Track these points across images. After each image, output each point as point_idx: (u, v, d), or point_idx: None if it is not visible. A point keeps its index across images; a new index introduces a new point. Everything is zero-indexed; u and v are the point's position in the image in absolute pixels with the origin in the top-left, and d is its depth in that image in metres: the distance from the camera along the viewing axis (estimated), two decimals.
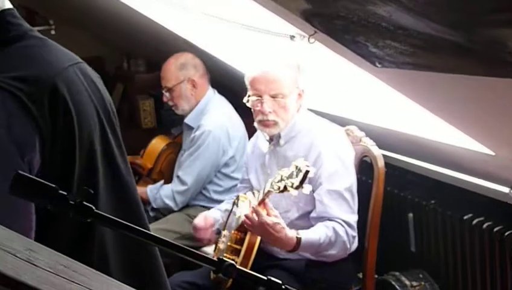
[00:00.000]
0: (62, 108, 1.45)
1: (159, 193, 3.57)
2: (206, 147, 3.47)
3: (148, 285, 1.71)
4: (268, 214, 2.47)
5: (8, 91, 1.38)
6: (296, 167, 2.28)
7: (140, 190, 3.62)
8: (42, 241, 1.42)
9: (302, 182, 2.25)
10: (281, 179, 2.33)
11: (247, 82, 2.72)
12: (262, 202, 2.51)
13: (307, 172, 2.24)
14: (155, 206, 3.59)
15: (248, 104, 2.71)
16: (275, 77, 2.64)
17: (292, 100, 2.67)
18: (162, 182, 3.69)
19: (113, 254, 1.61)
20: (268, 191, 2.44)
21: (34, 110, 1.39)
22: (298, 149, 2.66)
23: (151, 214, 3.60)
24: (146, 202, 3.54)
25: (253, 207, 2.49)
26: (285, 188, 2.31)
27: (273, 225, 2.43)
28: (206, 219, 2.95)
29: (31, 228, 1.43)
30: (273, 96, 2.65)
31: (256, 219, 2.46)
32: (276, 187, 2.35)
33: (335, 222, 2.55)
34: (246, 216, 2.50)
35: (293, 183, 2.27)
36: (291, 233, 2.47)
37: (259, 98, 2.66)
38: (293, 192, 2.31)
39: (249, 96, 2.71)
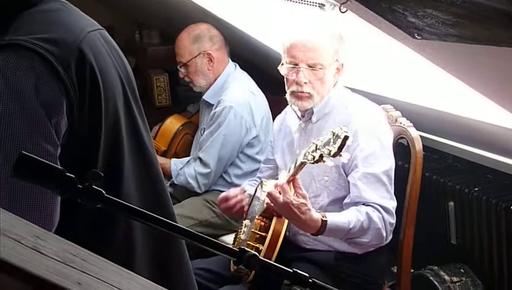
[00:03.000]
0: (89, 74, 1.54)
1: (184, 169, 3.58)
2: (227, 125, 3.47)
3: (174, 285, 1.79)
4: (296, 194, 2.46)
5: (37, 52, 1.46)
6: (333, 133, 2.24)
7: (163, 160, 3.66)
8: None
9: (340, 148, 2.21)
10: (316, 149, 2.30)
11: (282, 48, 2.70)
12: (291, 180, 2.49)
13: (346, 138, 2.19)
14: (176, 182, 3.61)
15: (281, 72, 2.69)
16: (315, 45, 2.62)
17: (330, 73, 2.66)
18: (188, 158, 3.70)
19: (141, 250, 1.68)
20: (302, 163, 2.41)
21: (62, 73, 1.48)
22: (332, 127, 2.64)
23: (169, 189, 3.58)
24: (167, 174, 3.55)
25: (279, 184, 2.48)
26: (320, 157, 2.26)
27: (298, 206, 2.43)
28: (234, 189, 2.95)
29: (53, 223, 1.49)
30: (311, 66, 2.63)
31: (281, 197, 2.45)
32: (310, 157, 2.32)
33: (370, 207, 2.54)
34: (269, 193, 2.50)
35: (330, 151, 2.22)
36: (317, 215, 2.46)
37: (296, 66, 2.64)
38: (329, 162, 2.27)
39: (282, 63, 2.70)
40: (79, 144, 1.53)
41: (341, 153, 2.22)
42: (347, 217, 2.50)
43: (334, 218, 2.49)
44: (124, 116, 1.66)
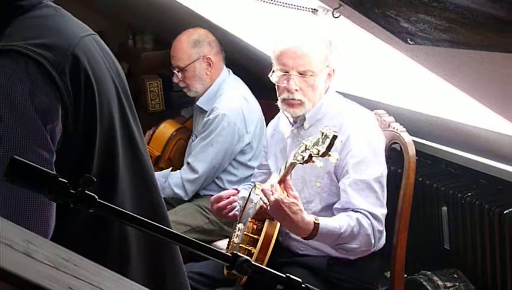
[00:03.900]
0: (83, 79, 1.53)
1: (168, 181, 3.57)
2: (219, 132, 3.47)
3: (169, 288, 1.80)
4: (287, 195, 2.46)
5: (31, 58, 1.46)
6: (322, 133, 2.24)
7: None
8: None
9: (329, 148, 2.21)
10: (306, 149, 2.31)
11: (273, 56, 2.71)
12: (282, 181, 2.49)
13: (334, 137, 2.20)
14: (163, 196, 3.59)
15: (272, 80, 2.70)
16: (305, 52, 2.63)
17: (321, 79, 2.66)
18: (170, 169, 3.69)
19: (135, 259, 1.69)
20: (292, 164, 2.41)
21: (57, 79, 1.48)
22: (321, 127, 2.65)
23: None
24: None
25: (271, 184, 2.48)
26: (310, 157, 2.27)
27: (289, 205, 2.42)
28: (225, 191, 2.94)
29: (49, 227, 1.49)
30: (301, 73, 2.63)
31: (272, 195, 2.45)
32: (300, 158, 2.33)
33: (360, 213, 2.54)
34: (263, 190, 2.49)
35: (319, 151, 2.22)
36: (309, 217, 2.46)
37: (286, 74, 2.65)
38: (318, 163, 2.27)
39: (273, 71, 2.70)
40: (74, 149, 1.53)
41: (330, 153, 2.22)
42: (338, 222, 2.50)
43: (326, 222, 2.49)
44: (118, 122, 1.65)
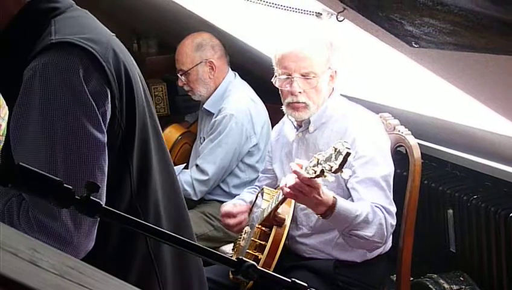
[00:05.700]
0: (124, 72, 1.70)
1: (179, 176, 3.55)
2: (227, 133, 3.46)
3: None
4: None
5: (83, 48, 1.61)
6: (335, 149, 2.23)
7: None
8: None
9: (341, 165, 2.20)
10: (318, 163, 2.29)
11: (275, 60, 2.71)
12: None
13: (348, 154, 2.18)
14: None
15: (276, 84, 2.70)
16: (306, 55, 2.63)
17: (324, 81, 2.66)
18: (183, 165, 3.69)
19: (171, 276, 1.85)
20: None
21: (105, 66, 1.63)
22: (330, 137, 2.64)
23: None
24: None
25: (294, 170, 2.39)
26: (322, 172, 2.26)
27: (312, 183, 2.35)
28: (236, 205, 2.94)
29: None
30: (304, 76, 2.63)
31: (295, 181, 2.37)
32: (311, 172, 2.31)
33: (373, 205, 2.52)
34: (295, 171, 2.38)
35: (331, 167, 2.21)
36: (329, 192, 2.43)
37: (289, 76, 2.65)
38: (330, 177, 2.26)
39: (276, 76, 2.70)
40: (118, 135, 1.68)
41: (342, 170, 2.21)
42: (355, 205, 2.48)
43: (344, 202, 2.46)
44: (148, 116, 1.81)
